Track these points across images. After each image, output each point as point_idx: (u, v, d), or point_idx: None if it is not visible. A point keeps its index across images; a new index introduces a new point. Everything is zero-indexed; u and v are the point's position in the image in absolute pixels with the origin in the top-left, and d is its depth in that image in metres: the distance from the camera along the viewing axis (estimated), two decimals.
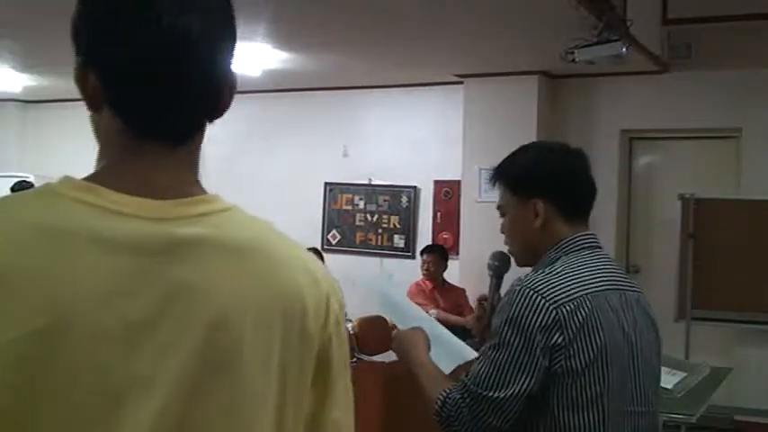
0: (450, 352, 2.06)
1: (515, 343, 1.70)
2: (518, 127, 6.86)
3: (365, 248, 7.99)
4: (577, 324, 1.70)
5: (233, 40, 1.02)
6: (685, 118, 6.64)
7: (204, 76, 0.97)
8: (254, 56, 6.47)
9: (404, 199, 7.84)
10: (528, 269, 1.92)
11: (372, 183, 7.97)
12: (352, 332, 6.40)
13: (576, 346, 1.70)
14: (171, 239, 0.90)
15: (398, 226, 7.86)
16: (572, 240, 1.85)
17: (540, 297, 1.71)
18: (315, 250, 7.14)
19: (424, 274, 6.58)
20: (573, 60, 4.81)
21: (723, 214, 6.15)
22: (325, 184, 8.19)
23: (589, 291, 1.75)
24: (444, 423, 1.79)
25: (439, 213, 7.65)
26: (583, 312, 1.71)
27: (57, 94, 9.08)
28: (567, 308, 1.70)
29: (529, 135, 6.84)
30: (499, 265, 2.15)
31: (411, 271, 7.17)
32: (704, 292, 6.08)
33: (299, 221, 8.14)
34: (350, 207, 8.10)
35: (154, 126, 0.96)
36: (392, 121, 7.90)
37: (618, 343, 1.75)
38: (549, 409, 1.72)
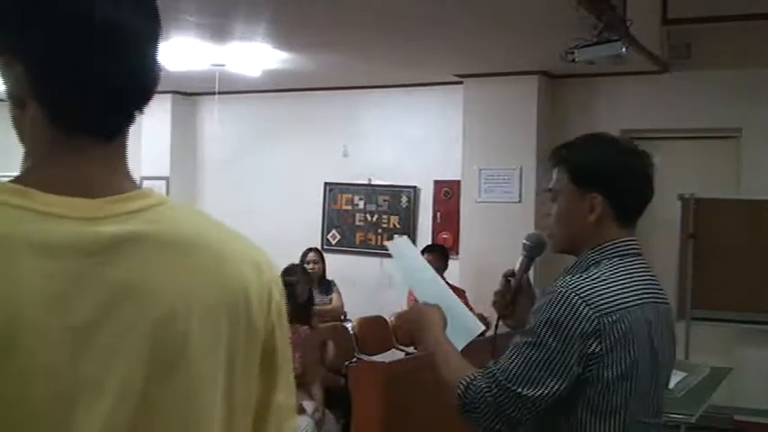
0: (461, 327, 2.03)
1: (553, 345, 1.70)
2: (518, 127, 6.87)
3: (365, 248, 7.98)
4: (616, 336, 1.71)
5: (159, 32, 0.99)
6: (685, 118, 6.64)
7: (135, 69, 0.95)
8: (254, 56, 6.47)
9: (404, 199, 7.84)
10: (550, 269, 1.91)
11: (372, 183, 7.97)
12: (352, 332, 6.41)
13: (611, 358, 1.71)
14: (108, 239, 0.88)
15: (398, 226, 7.86)
16: (618, 244, 1.83)
17: (584, 304, 1.70)
18: (315, 250, 7.15)
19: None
20: (573, 60, 4.80)
21: (723, 214, 6.15)
22: (325, 184, 8.19)
23: (631, 303, 1.75)
24: (465, 408, 1.79)
25: (439, 213, 7.65)
26: (623, 326, 1.72)
27: None
28: (610, 318, 1.71)
29: (529, 135, 6.85)
30: (534, 247, 2.10)
31: None
32: (704, 292, 6.08)
33: (299, 221, 8.17)
34: (350, 207, 8.10)
35: (85, 121, 0.93)
36: (392, 121, 7.90)
37: (646, 357, 1.77)
38: (574, 411, 1.74)
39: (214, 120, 8.05)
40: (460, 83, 7.18)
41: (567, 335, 1.69)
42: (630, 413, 1.75)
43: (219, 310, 0.94)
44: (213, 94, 7.36)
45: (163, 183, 8.74)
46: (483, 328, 2.19)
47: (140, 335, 0.88)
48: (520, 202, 6.88)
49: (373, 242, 7.97)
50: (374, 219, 7.98)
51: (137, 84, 0.96)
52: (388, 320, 6.72)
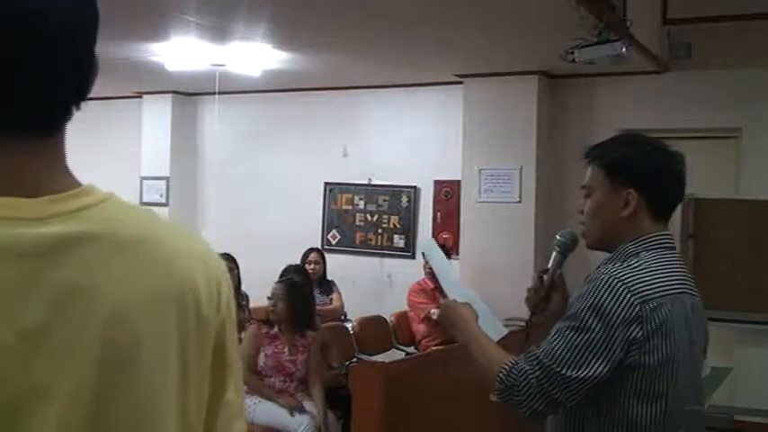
0: (493, 325, 2.08)
1: (596, 329, 1.75)
2: (518, 127, 6.87)
3: (365, 248, 7.98)
4: (657, 322, 1.77)
5: (96, 21, 0.95)
6: (685, 118, 6.64)
7: (70, 60, 0.91)
8: (254, 56, 6.47)
9: (404, 199, 7.84)
10: (590, 260, 1.94)
11: (372, 183, 7.96)
12: (352, 332, 6.41)
13: (652, 343, 1.76)
14: (52, 240, 0.86)
15: (398, 226, 7.86)
16: (655, 237, 1.90)
17: (626, 290, 1.76)
18: (317, 250, 7.15)
19: (427, 273, 6.57)
20: (573, 60, 4.80)
21: (723, 214, 6.15)
22: (325, 184, 8.19)
23: (670, 291, 1.82)
24: (507, 391, 1.83)
25: (439, 213, 7.65)
26: (664, 312, 1.78)
27: None
28: (651, 305, 1.77)
29: (529, 135, 6.85)
30: (567, 243, 2.14)
31: (411, 271, 7.17)
32: (704, 292, 6.04)
33: (299, 221, 8.17)
34: (350, 207, 8.10)
35: (20, 117, 0.89)
36: (392, 121, 7.90)
37: (685, 345, 1.83)
38: (616, 396, 1.79)
39: (214, 120, 8.05)
40: (460, 83, 7.18)
41: (610, 320, 1.74)
42: (672, 399, 1.80)
43: (168, 306, 0.93)
44: (213, 94, 7.36)
45: (163, 183, 8.75)
46: (507, 331, 2.24)
47: (91, 336, 0.86)
48: (520, 202, 6.88)
49: (373, 242, 7.97)
50: (374, 219, 7.97)
51: (70, 77, 0.92)
52: (389, 320, 6.72)
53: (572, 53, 4.75)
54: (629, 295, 1.75)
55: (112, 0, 5.19)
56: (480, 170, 7.02)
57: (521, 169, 6.88)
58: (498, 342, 2.03)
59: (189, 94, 8.80)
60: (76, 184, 0.93)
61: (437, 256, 2.47)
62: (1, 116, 0.88)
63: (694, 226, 6.14)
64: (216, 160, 8.86)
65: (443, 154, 7.50)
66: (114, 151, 9.26)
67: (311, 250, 7.08)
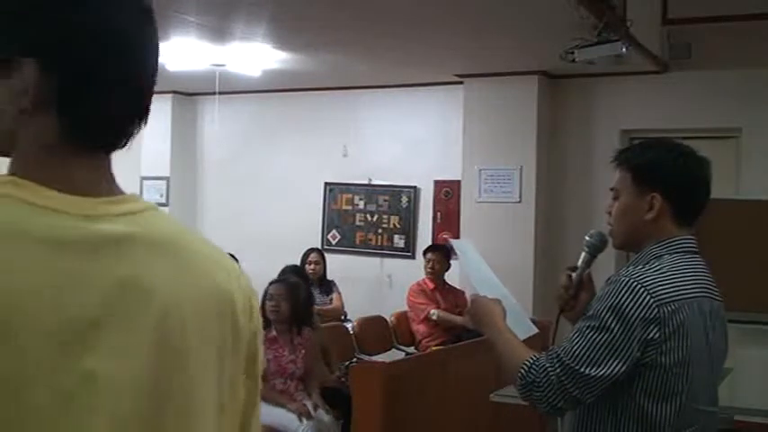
0: (521, 323, 2.14)
1: (615, 329, 1.80)
2: (518, 127, 6.87)
3: (365, 248, 7.98)
4: (675, 324, 1.81)
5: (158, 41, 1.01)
6: (685, 118, 6.64)
7: (147, 78, 0.97)
8: (254, 56, 6.47)
9: (404, 199, 7.84)
10: (610, 264, 1.99)
11: (372, 183, 7.97)
12: (352, 332, 6.41)
13: (669, 345, 1.81)
14: (107, 236, 0.89)
15: (398, 226, 7.86)
16: (678, 241, 1.96)
17: (645, 292, 1.82)
18: (317, 251, 7.15)
19: (428, 273, 6.57)
20: (573, 60, 4.80)
21: (723, 214, 6.14)
22: (325, 184, 8.19)
23: (690, 295, 1.87)
24: (527, 387, 1.88)
25: (439, 213, 7.66)
26: (682, 315, 1.83)
27: None
28: (669, 308, 1.82)
29: (529, 135, 6.85)
30: (596, 244, 2.18)
31: (411, 271, 7.17)
32: None
33: (300, 221, 8.17)
34: (350, 207, 8.10)
35: (105, 132, 0.94)
36: (392, 122, 7.90)
37: (702, 347, 1.87)
38: (632, 395, 1.84)
39: (214, 120, 8.05)
40: (460, 83, 7.18)
41: (628, 320, 1.80)
42: (687, 399, 1.85)
43: (209, 312, 0.97)
44: (213, 94, 7.36)
45: (163, 183, 8.75)
46: (536, 330, 2.29)
47: (144, 331, 0.89)
48: (520, 202, 6.88)
49: (373, 242, 7.97)
50: (374, 219, 7.97)
51: (147, 93, 0.97)
52: (389, 320, 6.72)
53: (572, 53, 4.75)
54: (648, 297, 1.81)
55: None
56: (480, 170, 7.02)
57: (521, 169, 6.88)
58: (526, 340, 2.07)
59: (189, 94, 8.80)
60: (124, 192, 0.97)
61: (471, 254, 2.53)
62: (88, 130, 0.92)
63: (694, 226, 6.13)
64: (216, 160, 8.86)
65: (443, 154, 7.50)
66: (114, 151, 9.26)
67: (311, 250, 7.08)
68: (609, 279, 1.92)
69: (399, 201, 7.85)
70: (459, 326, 6.14)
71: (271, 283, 5.14)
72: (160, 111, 8.74)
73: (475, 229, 7.03)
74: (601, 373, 1.80)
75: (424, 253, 6.81)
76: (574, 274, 2.17)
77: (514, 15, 5.09)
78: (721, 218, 6.15)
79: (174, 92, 8.65)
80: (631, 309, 1.80)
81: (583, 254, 2.19)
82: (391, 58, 6.60)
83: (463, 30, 5.53)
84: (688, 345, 1.83)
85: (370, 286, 7.74)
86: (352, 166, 8.04)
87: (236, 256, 6.18)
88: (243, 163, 8.64)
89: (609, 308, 1.82)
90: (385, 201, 7.92)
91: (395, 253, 7.84)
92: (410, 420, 4.44)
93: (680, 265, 1.91)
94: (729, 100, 6.43)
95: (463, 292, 6.57)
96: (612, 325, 1.80)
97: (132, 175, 8.88)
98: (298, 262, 6.72)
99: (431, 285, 6.53)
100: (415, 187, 7.78)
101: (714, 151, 7.13)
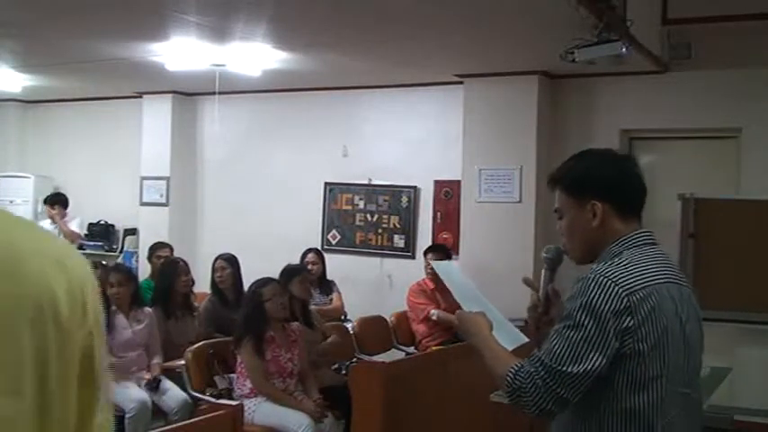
0: (508, 334, 2.19)
1: (589, 325, 1.85)
2: (518, 127, 6.87)
3: (365, 248, 7.98)
4: (646, 310, 1.86)
5: None
6: (685, 118, 6.64)
7: None
8: (254, 56, 6.47)
9: (404, 199, 7.83)
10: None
11: (372, 183, 7.96)
12: (352, 332, 6.41)
13: (644, 330, 1.86)
14: None
15: (398, 226, 7.86)
16: (633, 236, 2.01)
17: (613, 284, 1.87)
18: (315, 251, 7.15)
19: (428, 273, 6.57)
20: (573, 60, 4.80)
21: (723, 214, 6.15)
22: (326, 184, 8.19)
23: (656, 281, 1.92)
24: (515, 393, 1.92)
25: (439, 213, 7.65)
26: (652, 300, 1.88)
27: (57, 94, 9.09)
28: (638, 295, 1.87)
29: (529, 135, 6.85)
30: (553, 259, 2.26)
31: (411, 271, 7.17)
32: (704, 292, 6.02)
33: (299, 221, 8.17)
34: (350, 207, 8.09)
35: None
36: (392, 121, 7.90)
37: (675, 330, 1.93)
38: (613, 387, 1.88)
39: (214, 120, 8.05)
40: (460, 83, 7.18)
41: (600, 313, 1.85)
42: (667, 383, 1.89)
43: (18, 316, 0.82)
44: (213, 94, 7.36)
45: (163, 183, 8.75)
46: (527, 339, 2.34)
47: None
48: (520, 202, 6.88)
49: (373, 242, 7.97)
50: (374, 219, 7.97)
51: None
52: (389, 320, 6.72)
53: (572, 53, 4.75)
54: (616, 288, 1.86)
55: (113, 0, 5.20)
56: (480, 170, 7.02)
57: (521, 169, 6.88)
58: (515, 350, 2.12)
59: (189, 94, 8.79)
60: None
61: (454, 275, 2.59)
62: None
63: (694, 226, 6.13)
64: (216, 160, 8.85)
65: (443, 154, 7.50)
66: (114, 151, 9.27)
67: (309, 250, 7.08)
68: (577, 278, 1.97)
69: (399, 201, 7.85)
70: None
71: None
72: (160, 111, 8.76)
73: (475, 229, 7.03)
74: (583, 368, 1.84)
75: (425, 253, 6.81)
76: (540, 293, 2.22)
77: (514, 15, 5.09)
78: (721, 218, 6.17)
79: (174, 92, 8.65)
80: (602, 302, 1.85)
81: (543, 270, 2.25)
82: (391, 58, 6.60)
83: (463, 30, 5.53)
84: (662, 327, 1.88)
85: (370, 286, 7.74)
86: (352, 166, 8.04)
87: (237, 256, 6.25)
88: (243, 163, 8.64)
89: (580, 305, 1.87)
90: (385, 201, 7.92)
91: (395, 253, 7.84)
92: (410, 420, 4.44)
93: (642, 256, 1.96)
94: (729, 100, 6.43)
95: None
96: (586, 321, 1.85)
97: (132, 175, 8.89)
98: (297, 262, 6.72)
99: (431, 285, 6.53)
100: (415, 187, 7.78)
101: (714, 151, 7.21)
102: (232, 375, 5.03)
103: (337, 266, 7.40)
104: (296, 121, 8.38)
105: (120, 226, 9.28)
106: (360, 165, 7.98)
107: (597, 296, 1.86)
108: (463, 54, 6.42)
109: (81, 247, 8.81)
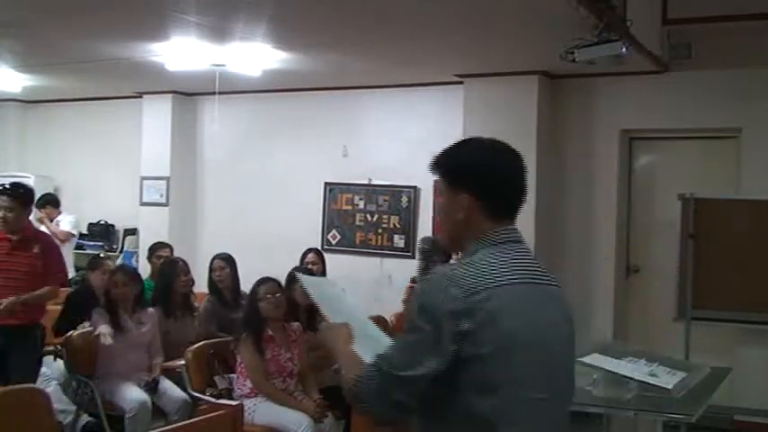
0: (374, 345, 2.05)
1: (425, 328, 1.77)
2: (518, 127, 6.85)
3: (365, 248, 7.98)
4: (485, 313, 1.76)
5: None
6: (685, 118, 6.64)
7: None
8: (254, 56, 6.47)
9: (404, 199, 7.83)
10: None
11: (372, 183, 7.96)
12: None
13: (483, 334, 1.75)
14: None
15: (398, 226, 7.86)
16: (490, 235, 1.90)
17: (451, 285, 1.77)
18: (315, 251, 7.14)
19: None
20: (573, 60, 4.80)
21: (723, 214, 6.15)
22: (326, 184, 8.18)
23: (502, 282, 1.81)
24: (355, 398, 1.87)
25: None
26: (493, 302, 1.77)
27: (57, 94, 9.09)
28: (479, 296, 1.76)
29: (529, 135, 6.84)
30: (428, 249, 2.22)
31: (411, 271, 7.16)
32: (704, 292, 6.07)
33: (299, 221, 8.17)
34: (350, 207, 8.09)
35: None
36: (392, 121, 7.90)
37: (527, 333, 1.81)
38: (459, 390, 1.79)
39: (214, 120, 8.05)
40: (460, 83, 7.17)
41: (436, 315, 1.76)
42: (517, 389, 1.79)
43: None
44: (213, 94, 7.36)
45: (163, 183, 8.75)
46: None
47: None
48: None
49: (373, 242, 7.96)
50: (374, 219, 7.97)
51: None
52: (388, 320, 6.71)
53: (572, 53, 4.75)
54: (453, 289, 1.77)
55: (113, 0, 5.20)
56: None
57: None
58: None
59: (189, 94, 8.79)
60: None
61: (323, 289, 2.46)
62: None
63: (694, 226, 6.13)
64: (216, 160, 8.85)
65: None
66: (114, 151, 9.27)
67: (309, 250, 7.06)
68: (421, 278, 1.92)
69: (399, 201, 7.85)
70: None
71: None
72: (160, 111, 8.76)
73: None
74: (415, 373, 1.77)
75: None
76: (415, 285, 2.16)
77: (514, 15, 5.09)
78: (721, 218, 6.17)
79: (174, 92, 8.65)
80: (438, 304, 1.76)
81: (418, 262, 2.20)
82: (391, 58, 6.60)
83: (463, 30, 5.53)
84: (504, 331, 1.77)
85: (370, 286, 7.74)
86: (352, 165, 8.04)
87: (235, 256, 6.24)
88: (243, 163, 8.64)
89: (417, 309, 1.81)
90: (385, 201, 7.92)
91: (395, 253, 7.83)
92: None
93: (495, 255, 1.86)
94: (729, 100, 6.43)
95: None
96: (422, 324, 1.78)
97: (132, 175, 8.89)
98: (297, 262, 6.71)
99: None
100: (415, 187, 7.77)
101: (714, 151, 7.21)
102: (232, 375, 5.02)
103: (337, 266, 7.40)
104: (296, 122, 8.38)
105: (120, 226, 9.28)
106: (360, 165, 7.98)
107: (434, 298, 1.77)
108: (463, 54, 6.42)
109: (79, 247, 8.82)
